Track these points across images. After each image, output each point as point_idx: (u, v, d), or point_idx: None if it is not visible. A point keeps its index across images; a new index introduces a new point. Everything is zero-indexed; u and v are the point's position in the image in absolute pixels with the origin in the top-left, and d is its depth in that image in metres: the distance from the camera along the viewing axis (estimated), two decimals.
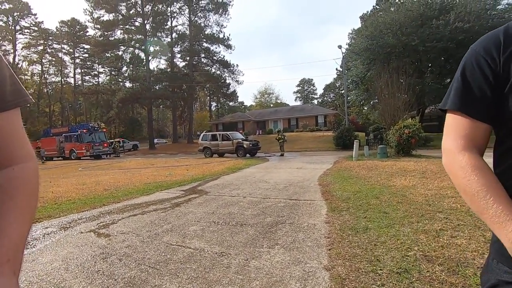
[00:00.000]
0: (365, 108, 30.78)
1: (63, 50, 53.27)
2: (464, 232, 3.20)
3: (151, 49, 38.73)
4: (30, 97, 0.68)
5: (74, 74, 55.36)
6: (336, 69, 52.61)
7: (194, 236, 3.58)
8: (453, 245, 2.89)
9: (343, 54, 25.68)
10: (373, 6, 44.12)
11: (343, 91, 32.67)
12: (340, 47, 24.56)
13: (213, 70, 42.44)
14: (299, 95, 77.49)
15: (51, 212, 5.09)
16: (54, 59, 52.91)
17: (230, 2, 38.91)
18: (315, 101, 69.83)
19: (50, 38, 51.29)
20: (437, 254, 2.69)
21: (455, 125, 0.75)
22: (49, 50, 52.18)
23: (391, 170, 8.37)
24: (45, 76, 53.15)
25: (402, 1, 23.94)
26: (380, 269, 2.48)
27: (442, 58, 21.20)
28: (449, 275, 2.32)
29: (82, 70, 56.74)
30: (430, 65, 22.04)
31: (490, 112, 0.71)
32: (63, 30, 51.17)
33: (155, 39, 38.24)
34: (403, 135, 12.68)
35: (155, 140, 38.90)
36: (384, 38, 20.79)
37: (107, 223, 4.33)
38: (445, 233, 3.21)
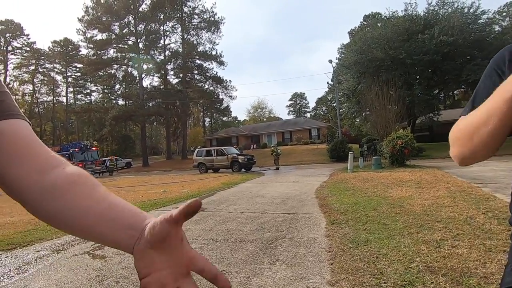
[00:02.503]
0: (357, 120, 31.22)
1: (55, 70, 53.31)
2: (464, 242, 3.21)
3: (144, 66, 39.07)
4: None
5: (66, 93, 55.19)
6: (328, 82, 53.64)
7: None
8: (454, 255, 2.88)
9: (334, 68, 26.30)
10: (361, 22, 45.78)
11: (335, 104, 33.21)
12: (330, 61, 25.19)
13: (206, 86, 42.84)
14: (292, 109, 78.31)
15: (43, 234, 4.93)
16: (46, 78, 52.80)
17: (222, 20, 39.88)
18: (308, 115, 70.48)
19: (42, 58, 51.38)
20: (440, 265, 2.68)
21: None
22: (41, 70, 52.13)
23: (386, 181, 8.41)
24: (37, 95, 52.82)
25: (388, 17, 24.87)
26: (384, 282, 2.45)
27: (429, 70, 21.86)
28: (454, 286, 2.30)
29: (74, 89, 56.59)
30: (418, 77, 22.68)
31: None
32: (56, 50, 51.37)
33: (148, 57, 38.65)
34: (396, 146, 12.83)
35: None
36: (372, 52, 21.42)
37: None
38: (446, 243, 3.21)
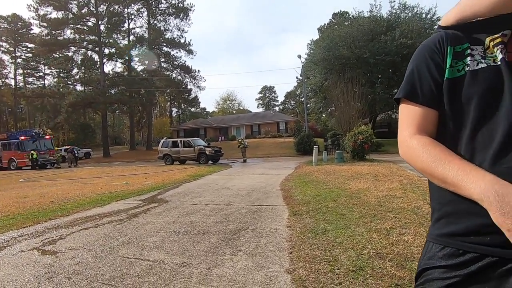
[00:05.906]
0: (323, 115, 32.32)
1: (2, 48, 47.85)
2: (410, 229, 3.50)
3: (106, 51, 36.58)
4: None
5: (15, 75, 49.90)
6: (297, 77, 54.53)
7: (153, 248, 3.42)
8: (401, 241, 3.14)
9: (303, 64, 26.79)
10: (330, 19, 46.92)
11: (303, 99, 33.97)
12: (299, 56, 25.68)
13: (174, 75, 41.40)
14: (261, 102, 78.65)
15: None
16: None
17: (192, 7, 38.51)
18: (277, 108, 71.32)
19: None
20: (388, 251, 2.91)
21: (404, 115, 0.79)
22: None
23: (347, 174, 8.85)
24: None
25: (355, 17, 25.83)
26: (338, 269, 2.60)
27: (390, 70, 23.21)
28: (398, 270, 2.51)
29: (25, 71, 51.36)
30: (380, 76, 23.97)
31: (435, 97, 0.76)
32: (2, 26, 46.05)
33: (111, 40, 36.18)
34: (357, 141, 13.52)
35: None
36: (339, 50, 22.17)
37: (54, 239, 3.94)
38: (395, 231, 3.48)
